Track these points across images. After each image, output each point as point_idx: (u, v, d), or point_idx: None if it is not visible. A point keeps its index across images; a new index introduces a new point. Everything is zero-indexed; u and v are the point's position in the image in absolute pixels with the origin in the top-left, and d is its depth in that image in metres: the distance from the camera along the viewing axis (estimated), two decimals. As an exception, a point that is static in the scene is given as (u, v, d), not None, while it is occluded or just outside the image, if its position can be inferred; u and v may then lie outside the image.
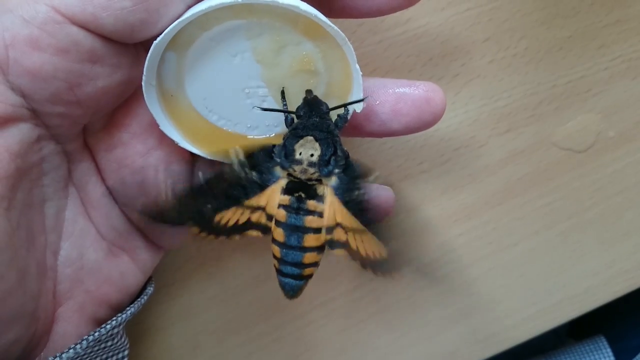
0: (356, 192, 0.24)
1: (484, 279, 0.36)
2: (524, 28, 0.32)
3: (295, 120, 0.24)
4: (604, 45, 0.33)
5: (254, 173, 0.24)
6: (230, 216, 0.24)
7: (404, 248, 0.24)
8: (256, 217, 0.24)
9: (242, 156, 0.24)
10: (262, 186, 0.24)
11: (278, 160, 0.24)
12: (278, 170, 0.24)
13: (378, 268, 0.24)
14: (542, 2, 0.32)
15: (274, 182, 0.24)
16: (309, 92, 0.24)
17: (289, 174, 0.24)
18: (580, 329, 0.57)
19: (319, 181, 0.24)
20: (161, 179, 0.25)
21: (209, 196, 0.24)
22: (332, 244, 0.24)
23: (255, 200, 0.24)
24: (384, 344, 0.37)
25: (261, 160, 0.24)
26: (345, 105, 0.24)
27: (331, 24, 0.22)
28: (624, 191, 0.36)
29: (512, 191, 0.35)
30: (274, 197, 0.24)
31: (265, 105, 0.25)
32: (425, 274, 0.24)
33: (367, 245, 0.24)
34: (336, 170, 0.24)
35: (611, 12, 0.33)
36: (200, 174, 0.25)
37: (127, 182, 0.25)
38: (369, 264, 0.24)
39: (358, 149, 0.32)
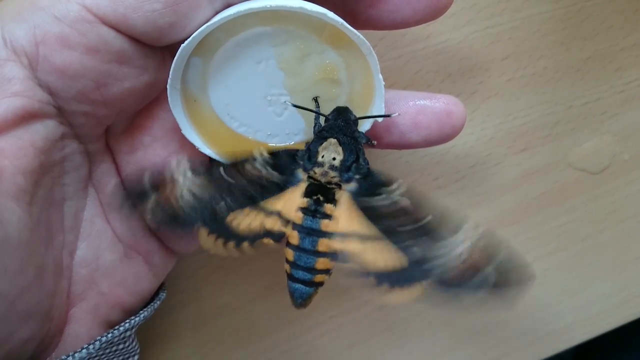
0: (376, 198, 0.23)
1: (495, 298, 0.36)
2: (543, 48, 0.32)
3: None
4: (620, 68, 0.34)
5: (275, 173, 0.24)
6: (243, 218, 0.24)
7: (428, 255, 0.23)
8: (270, 222, 0.24)
9: (266, 154, 0.24)
10: (281, 188, 0.24)
11: (301, 162, 0.24)
12: (300, 172, 0.24)
13: (395, 281, 0.23)
14: (562, 23, 0.32)
15: (294, 184, 0.24)
16: (344, 107, 0.24)
17: (310, 177, 0.24)
18: (585, 357, 0.56)
19: (339, 186, 0.24)
20: (174, 168, 0.24)
21: (224, 190, 0.24)
22: (344, 256, 0.23)
23: (272, 203, 0.24)
24: (393, 361, 0.36)
25: (284, 161, 0.24)
26: (374, 117, 0.24)
27: (357, 33, 0.22)
28: (637, 214, 0.36)
29: (526, 210, 0.35)
30: (292, 201, 0.24)
31: (287, 114, 0.25)
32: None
33: (384, 254, 0.23)
34: (356, 176, 0.24)
35: (629, 35, 0.33)
36: (221, 169, 0.24)
37: (135, 179, 0.24)
38: (385, 277, 0.23)
39: (374, 162, 0.32)
